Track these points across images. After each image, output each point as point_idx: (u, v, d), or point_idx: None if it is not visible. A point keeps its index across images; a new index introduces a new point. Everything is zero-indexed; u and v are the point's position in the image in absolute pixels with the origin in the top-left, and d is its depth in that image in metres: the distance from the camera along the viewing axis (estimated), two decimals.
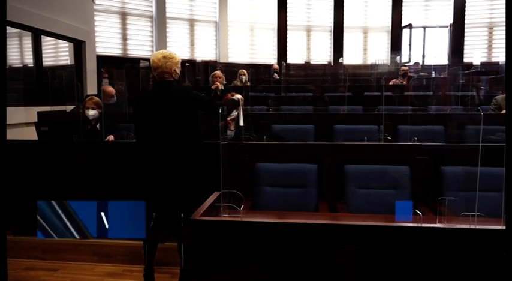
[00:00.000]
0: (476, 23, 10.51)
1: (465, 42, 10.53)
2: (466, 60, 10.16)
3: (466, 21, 10.51)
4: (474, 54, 10.15)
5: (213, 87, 5.68)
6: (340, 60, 10.31)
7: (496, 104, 5.30)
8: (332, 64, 10.59)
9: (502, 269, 1.60)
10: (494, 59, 10.10)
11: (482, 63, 9.44)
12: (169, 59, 2.52)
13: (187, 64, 9.05)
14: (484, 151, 2.46)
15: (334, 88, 6.61)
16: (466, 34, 10.54)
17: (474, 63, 9.45)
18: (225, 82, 6.07)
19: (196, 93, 2.62)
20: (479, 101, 6.37)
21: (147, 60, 8.57)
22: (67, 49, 7.04)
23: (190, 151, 2.44)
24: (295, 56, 10.86)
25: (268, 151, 3.09)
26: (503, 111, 5.03)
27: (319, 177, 2.85)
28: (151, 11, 9.68)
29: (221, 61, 10.26)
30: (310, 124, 4.22)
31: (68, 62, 7.12)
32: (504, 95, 5.37)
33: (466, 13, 10.49)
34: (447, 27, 10.73)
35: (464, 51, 10.47)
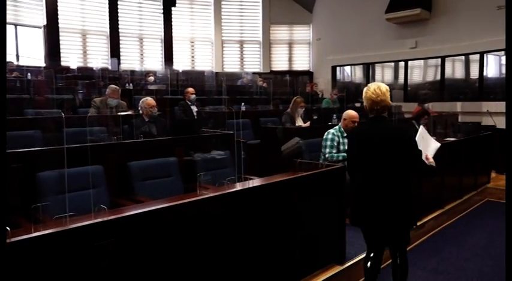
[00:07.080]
0: (70, 28, 10.86)
1: (61, 46, 10.65)
2: (63, 63, 10.30)
3: (60, 26, 10.62)
4: (70, 58, 10.45)
5: None
6: None
7: (95, 106, 5.67)
8: None
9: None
10: (89, 65, 10.82)
11: (78, 68, 9.89)
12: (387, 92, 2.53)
13: None
14: (76, 152, 2.56)
15: None
16: (61, 38, 10.66)
17: (71, 67, 9.76)
18: None
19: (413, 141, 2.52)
20: (79, 104, 6.66)
21: None
22: None
23: (405, 182, 2.50)
24: None
25: None
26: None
27: None
28: None
29: None
30: None
31: None
32: (101, 98, 5.82)
33: (59, 17, 10.59)
34: (41, 28, 10.48)
35: (61, 54, 10.59)
